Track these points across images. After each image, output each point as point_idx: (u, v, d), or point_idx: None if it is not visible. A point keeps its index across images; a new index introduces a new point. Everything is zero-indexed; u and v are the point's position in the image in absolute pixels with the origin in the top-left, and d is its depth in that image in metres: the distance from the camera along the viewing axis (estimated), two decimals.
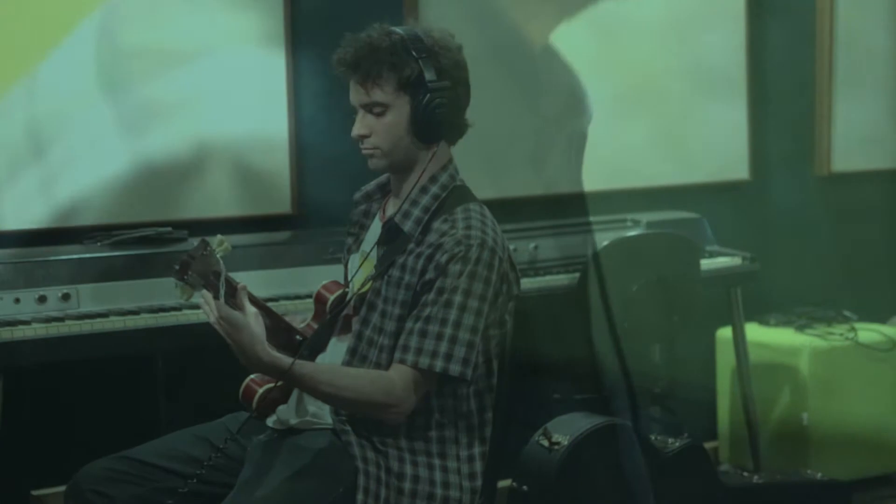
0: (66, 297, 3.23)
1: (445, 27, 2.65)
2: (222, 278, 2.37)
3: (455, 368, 2.50)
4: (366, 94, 2.57)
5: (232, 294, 2.42)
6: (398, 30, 2.59)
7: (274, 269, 3.49)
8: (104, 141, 3.67)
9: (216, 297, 2.37)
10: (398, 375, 2.50)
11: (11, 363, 3.06)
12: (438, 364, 2.49)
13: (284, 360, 2.44)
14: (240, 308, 2.42)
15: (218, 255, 2.37)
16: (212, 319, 2.38)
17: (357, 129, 2.61)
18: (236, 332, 2.38)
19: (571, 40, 4.40)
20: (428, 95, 2.55)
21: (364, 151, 2.63)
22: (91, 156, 3.66)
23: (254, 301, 2.48)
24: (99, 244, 3.45)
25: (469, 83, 2.65)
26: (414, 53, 2.55)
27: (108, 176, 3.68)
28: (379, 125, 2.58)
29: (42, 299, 3.20)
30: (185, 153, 3.79)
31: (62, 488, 2.71)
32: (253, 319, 2.41)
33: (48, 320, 3.13)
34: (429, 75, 2.55)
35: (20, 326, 3.08)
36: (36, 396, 3.52)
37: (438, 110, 2.57)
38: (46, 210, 3.60)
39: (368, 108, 2.59)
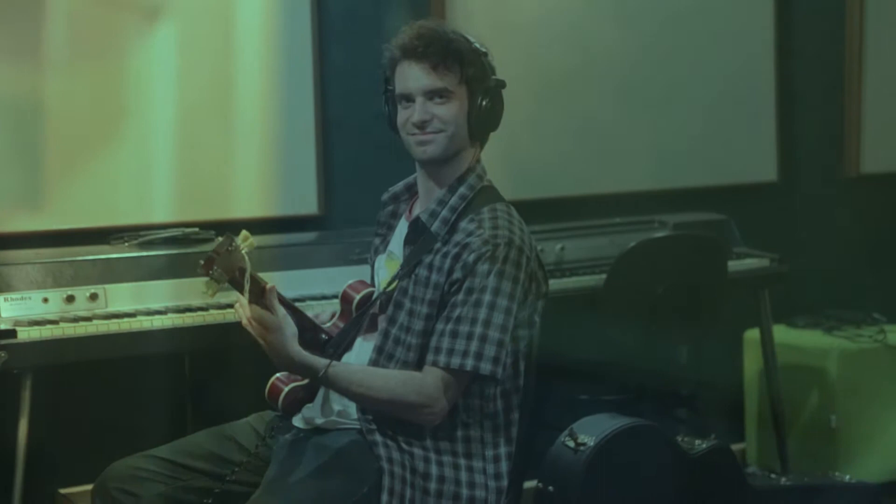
0: (93, 296, 3.24)
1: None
2: (247, 275, 2.37)
3: (486, 367, 2.50)
4: (438, 78, 2.58)
5: (259, 292, 2.42)
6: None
7: (301, 270, 3.48)
8: (132, 142, 3.69)
9: (241, 293, 2.38)
10: (430, 376, 2.51)
11: (39, 362, 3.07)
12: (469, 363, 2.49)
13: (317, 360, 2.45)
14: (269, 308, 2.42)
15: (243, 252, 2.37)
16: (243, 321, 2.39)
17: (419, 115, 2.59)
18: (268, 333, 2.39)
19: (601, 43, 4.40)
20: (489, 93, 2.61)
21: (421, 138, 2.60)
22: (119, 156, 3.67)
23: (281, 300, 2.48)
24: (126, 244, 3.46)
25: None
26: (479, 51, 2.60)
27: (135, 176, 3.70)
28: (442, 111, 2.59)
29: (70, 299, 3.21)
30: (212, 154, 3.80)
31: (89, 486, 2.72)
32: (283, 320, 2.43)
33: (76, 320, 3.14)
34: (491, 75, 2.62)
35: (48, 326, 3.08)
36: (63, 395, 3.53)
37: (494, 108, 2.62)
38: (74, 210, 3.62)
39: (433, 94, 2.59)
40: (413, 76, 2.59)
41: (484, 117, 2.61)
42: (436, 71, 2.57)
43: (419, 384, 2.50)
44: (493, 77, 2.63)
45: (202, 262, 2.34)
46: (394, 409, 2.53)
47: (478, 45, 2.63)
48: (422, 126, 2.59)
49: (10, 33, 3.53)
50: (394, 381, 2.51)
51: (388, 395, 2.49)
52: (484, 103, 2.60)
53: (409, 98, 2.61)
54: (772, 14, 4.71)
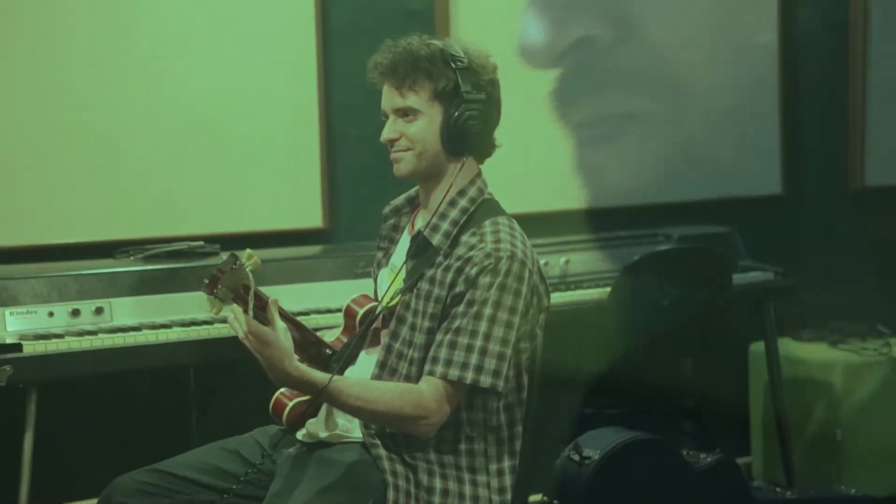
0: (99, 310, 3.25)
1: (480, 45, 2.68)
2: (251, 292, 2.38)
3: (486, 380, 2.50)
4: (401, 98, 2.59)
5: (262, 308, 2.43)
6: (437, 42, 2.62)
7: (305, 284, 3.49)
8: (136, 156, 3.70)
9: (245, 311, 2.38)
10: (428, 388, 2.51)
11: (45, 376, 3.07)
12: (469, 376, 2.49)
13: (314, 375, 2.45)
14: (270, 322, 2.42)
15: (247, 269, 2.37)
16: (240, 334, 2.39)
17: (387, 134, 2.62)
18: (265, 347, 2.39)
19: (604, 57, 4.41)
20: (461, 107, 2.58)
21: (392, 156, 2.64)
22: (122, 170, 3.68)
23: (283, 315, 2.49)
24: (132, 258, 3.47)
25: (501, 103, 2.67)
26: (452, 65, 2.58)
27: (140, 190, 3.71)
28: (409, 130, 2.60)
29: (75, 313, 3.22)
30: (217, 168, 3.81)
31: (94, 501, 2.73)
32: (282, 334, 2.42)
33: (81, 334, 3.15)
34: (464, 88, 2.58)
35: (54, 340, 3.09)
36: (68, 409, 3.53)
37: (470, 122, 2.59)
38: (79, 224, 3.63)
39: (401, 112, 2.60)
40: (384, 95, 2.63)
41: (458, 131, 2.59)
42: (400, 90, 2.59)
43: (417, 396, 2.50)
44: (475, 91, 2.59)
45: (206, 281, 2.35)
46: (391, 421, 2.53)
47: (460, 57, 2.59)
48: (390, 144, 2.62)
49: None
50: (391, 393, 2.51)
51: (385, 407, 2.49)
52: (456, 116, 2.59)
53: (385, 115, 2.64)
54: (776, 28, 4.72)
